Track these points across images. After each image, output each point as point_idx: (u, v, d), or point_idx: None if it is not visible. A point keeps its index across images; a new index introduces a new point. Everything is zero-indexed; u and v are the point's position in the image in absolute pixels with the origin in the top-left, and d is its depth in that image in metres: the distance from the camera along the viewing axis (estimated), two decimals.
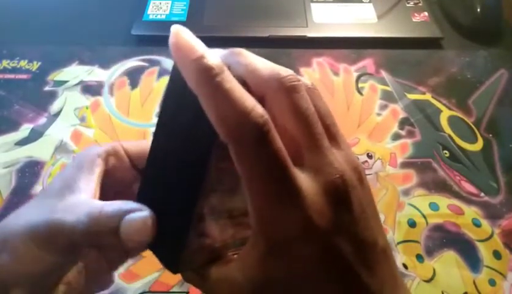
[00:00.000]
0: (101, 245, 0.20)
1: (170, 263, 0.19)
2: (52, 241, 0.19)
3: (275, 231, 0.16)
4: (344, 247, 0.16)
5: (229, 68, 0.17)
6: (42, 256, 0.19)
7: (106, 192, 0.22)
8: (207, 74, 0.15)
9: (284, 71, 0.17)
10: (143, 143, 0.24)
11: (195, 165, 0.17)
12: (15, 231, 0.20)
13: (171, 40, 0.16)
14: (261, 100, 0.17)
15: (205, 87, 0.16)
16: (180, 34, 0.16)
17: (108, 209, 0.19)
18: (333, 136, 0.18)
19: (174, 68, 0.17)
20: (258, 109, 0.15)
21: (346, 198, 0.17)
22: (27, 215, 0.20)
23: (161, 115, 0.19)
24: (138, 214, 0.19)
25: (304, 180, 0.16)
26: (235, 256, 0.19)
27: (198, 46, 0.16)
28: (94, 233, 0.19)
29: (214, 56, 0.16)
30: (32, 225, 0.19)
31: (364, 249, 0.17)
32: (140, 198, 0.20)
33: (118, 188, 0.23)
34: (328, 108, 0.19)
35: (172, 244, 0.19)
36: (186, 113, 0.17)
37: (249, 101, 0.15)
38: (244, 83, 0.17)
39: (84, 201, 0.20)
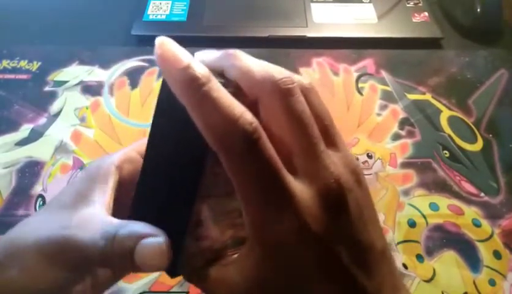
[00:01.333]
0: (114, 266, 0.20)
1: (168, 267, 0.19)
2: (64, 256, 0.19)
3: (270, 237, 0.16)
4: (340, 250, 0.16)
5: (222, 71, 0.17)
6: (52, 272, 0.19)
7: (124, 200, 0.21)
8: (194, 84, 0.15)
9: (278, 74, 0.17)
10: None
11: (189, 172, 0.17)
12: (24, 244, 0.19)
13: (156, 51, 0.16)
14: (254, 103, 0.17)
15: (192, 97, 0.15)
16: (166, 45, 0.16)
17: (123, 232, 0.18)
18: (331, 138, 0.18)
19: (164, 79, 0.17)
20: (246, 116, 0.15)
21: (342, 201, 0.16)
22: (37, 228, 0.20)
23: (154, 124, 0.18)
24: (154, 239, 0.18)
25: (298, 186, 0.16)
26: (234, 256, 0.19)
27: (184, 56, 0.16)
28: (109, 255, 0.18)
29: (200, 65, 0.16)
30: (43, 239, 0.19)
31: (361, 252, 0.17)
32: (135, 205, 0.20)
33: None
34: (326, 107, 0.18)
35: None
36: (178, 123, 0.17)
37: (238, 109, 0.15)
38: (237, 86, 0.17)
39: (97, 215, 0.19)
